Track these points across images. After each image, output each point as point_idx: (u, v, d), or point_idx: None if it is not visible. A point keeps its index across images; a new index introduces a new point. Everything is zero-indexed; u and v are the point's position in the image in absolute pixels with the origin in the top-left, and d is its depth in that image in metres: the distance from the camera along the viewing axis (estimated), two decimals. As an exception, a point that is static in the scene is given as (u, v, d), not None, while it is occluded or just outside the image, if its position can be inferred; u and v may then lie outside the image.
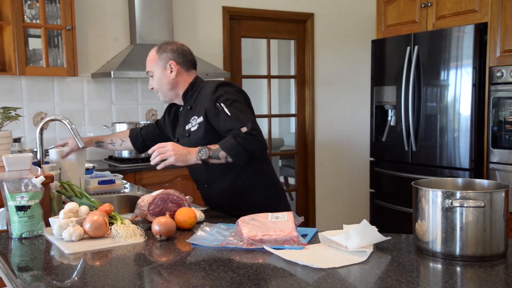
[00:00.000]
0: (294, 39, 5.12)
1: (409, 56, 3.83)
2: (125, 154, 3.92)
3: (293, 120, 5.34)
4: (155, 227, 1.70)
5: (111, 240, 1.69)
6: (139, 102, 4.32)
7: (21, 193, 1.77)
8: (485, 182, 1.62)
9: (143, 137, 2.58)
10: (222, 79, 4.63)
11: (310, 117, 5.14)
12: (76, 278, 1.41)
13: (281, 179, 6.17)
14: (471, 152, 3.53)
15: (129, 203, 2.62)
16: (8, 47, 3.61)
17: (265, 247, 1.56)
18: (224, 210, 2.20)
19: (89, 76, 4.10)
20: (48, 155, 2.50)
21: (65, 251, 1.61)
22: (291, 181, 5.75)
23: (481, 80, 3.51)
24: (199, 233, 1.74)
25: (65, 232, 1.70)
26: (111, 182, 2.70)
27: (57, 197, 2.08)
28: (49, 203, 1.99)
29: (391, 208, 4.07)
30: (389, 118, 4.10)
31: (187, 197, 1.97)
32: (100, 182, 2.66)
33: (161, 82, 2.23)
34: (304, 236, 1.67)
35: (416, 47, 3.77)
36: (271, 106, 5.05)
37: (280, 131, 6.72)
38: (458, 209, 1.42)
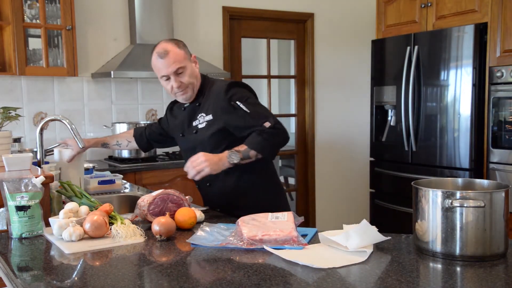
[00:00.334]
0: (294, 39, 5.12)
1: (409, 56, 3.82)
2: (125, 154, 3.93)
3: (293, 120, 5.34)
4: (155, 227, 1.70)
5: (111, 240, 1.69)
6: (139, 102, 4.32)
7: (21, 193, 1.77)
8: (485, 182, 1.62)
9: (147, 137, 2.58)
10: (222, 78, 4.64)
11: (310, 117, 5.14)
12: (76, 278, 1.41)
13: (281, 179, 6.17)
14: (471, 152, 3.53)
15: (129, 203, 2.62)
16: (8, 47, 3.61)
17: (265, 247, 1.56)
18: (224, 210, 2.21)
19: (89, 76, 4.10)
20: (53, 153, 2.50)
21: (65, 251, 1.61)
22: (291, 181, 5.75)
23: (481, 80, 3.51)
24: (199, 233, 1.74)
25: (65, 232, 1.70)
26: (111, 182, 2.70)
27: (57, 197, 2.08)
28: (49, 203, 1.99)
29: (391, 208, 4.07)
30: (389, 118, 4.10)
31: (187, 197, 1.97)
32: (100, 182, 2.66)
33: (193, 76, 2.19)
34: (304, 236, 1.67)
35: (416, 47, 3.77)
36: (271, 106, 5.05)
37: (280, 131, 6.70)
38: (458, 209, 1.42)
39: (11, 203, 1.77)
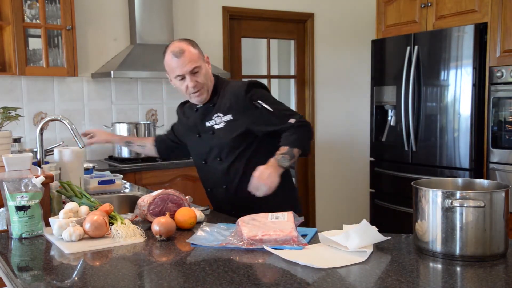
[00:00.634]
0: (294, 39, 5.12)
1: (409, 56, 3.82)
2: (125, 154, 3.92)
3: (293, 120, 5.33)
4: (155, 227, 1.70)
5: (111, 240, 1.69)
6: (139, 102, 4.32)
7: (21, 193, 1.77)
8: (485, 182, 1.62)
9: (165, 145, 2.57)
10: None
11: (310, 117, 5.14)
12: (76, 278, 1.41)
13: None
14: (471, 152, 3.53)
15: (129, 203, 2.62)
16: (8, 47, 3.61)
17: (265, 247, 1.56)
18: (238, 212, 2.04)
19: (89, 76, 4.10)
20: (53, 153, 2.50)
21: (65, 251, 1.61)
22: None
23: (481, 80, 3.51)
24: (199, 233, 1.74)
25: (65, 232, 1.70)
26: (111, 182, 2.70)
27: (57, 197, 2.08)
28: (49, 203, 1.99)
29: (391, 208, 4.07)
30: (389, 118, 4.10)
31: (187, 197, 1.97)
32: (100, 182, 2.66)
33: (207, 76, 2.17)
34: (304, 236, 1.67)
35: (416, 47, 3.77)
36: (271, 106, 5.04)
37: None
38: (458, 209, 1.42)
39: (11, 203, 1.77)
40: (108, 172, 2.97)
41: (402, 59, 3.87)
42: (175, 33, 4.32)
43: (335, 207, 5.34)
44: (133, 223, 1.79)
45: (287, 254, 1.49)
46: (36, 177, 1.83)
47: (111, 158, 4.08)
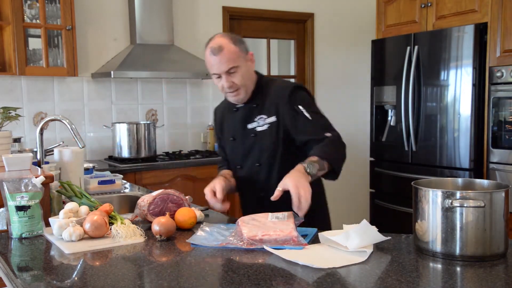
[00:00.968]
0: (294, 39, 5.12)
1: (409, 56, 3.82)
2: (125, 154, 3.92)
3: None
4: (155, 227, 1.70)
5: (111, 240, 1.69)
6: (139, 102, 4.32)
7: (21, 193, 1.77)
8: (485, 182, 1.62)
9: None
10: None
11: (310, 117, 5.13)
12: (76, 278, 1.41)
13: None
14: (471, 152, 3.53)
15: (129, 203, 2.62)
16: (8, 47, 3.61)
17: (265, 247, 1.56)
18: None
19: (89, 76, 4.10)
20: (53, 153, 2.50)
21: (65, 251, 1.61)
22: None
23: (481, 80, 3.51)
24: (199, 233, 1.74)
25: (65, 232, 1.70)
26: (111, 182, 2.70)
27: (57, 197, 2.08)
28: (49, 203, 1.99)
29: (391, 208, 4.07)
30: (389, 118, 4.10)
31: (187, 197, 1.97)
32: (100, 182, 2.66)
33: (247, 77, 2.02)
34: (304, 236, 1.67)
35: (416, 47, 3.77)
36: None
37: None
38: (458, 209, 1.42)
39: (11, 203, 1.77)
40: (108, 172, 2.97)
41: (402, 59, 3.87)
42: (175, 33, 4.32)
43: (335, 207, 5.32)
44: (133, 223, 1.79)
45: (287, 254, 1.49)
46: (36, 177, 1.83)
47: (111, 158, 4.08)
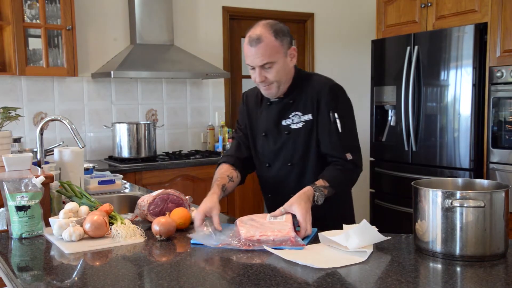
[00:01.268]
0: (294, 39, 5.12)
1: (409, 56, 3.82)
2: (125, 154, 3.92)
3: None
4: (155, 227, 1.70)
5: (111, 240, 1.69)
6: (139, 102, 4.32)
7: (21, 193, 1.77)
8: (485, 182, 1.62)
9: (244, 163, 2.11)
10: (222, 79, 4.64)
11: (310, 117, 5.14)
12: (76, 278, 1.41)
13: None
14: (471, 152, 3.53)
15: (129, 203, 2.62)
16: (8, 47, 3.61)
17: (265, 247, 1.56)
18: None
19: (89, 76, 4.10)
20: (53, 153, 2.50)
21: (65, 251, 1.61)
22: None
23: (481, 80, 3.51)
24: (204, 230, 1.71)
25: (65, 232, 1.70)
26: (111, 182, 2.70)
27: (57, 197, 2.08)
28: (49, 203, 1.99)
29: (391, 208, 4.07)
30: (389, 118, 4.10)
31: (187, 197, 1.97)
32: (100, 182, 2.66)
33: (282, 73, 1.89)
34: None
35: (416, 47, 3.77)
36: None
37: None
38: (458, 209, 1.42)
39: (11, 203, 1.77)
40: (108, 172, 2.97)
41: (402, 59, 3.87)
42: (175, 33, 4.32)
43: (335, 207, 5.32)
44: (133, 223, 1.79)
45: (287, 254, 1.49)
46: (36, 177, 1.83)
47: (111, 158, 4.08)
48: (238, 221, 1.69)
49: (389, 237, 1.60)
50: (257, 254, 1.53)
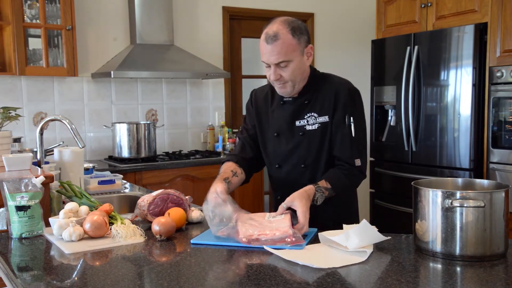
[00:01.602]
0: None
1: (409, 56, 3.82)
2: (125, 154, 3.92)
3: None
4: (155, 227, 1.70)
5: (111, 240, 1.69)
6: (139, 102, 4.32)
7: (21, 193, 1.77)
8: (485, 182, 1.62)
9: (250, 163, 2.07)
10: (222, 79, 4.64)
11: (310, 117, 5.13)
12: (76, 278, 1.41)
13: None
14: (471, 152, 3.53)
15: (129, 203, 2.62)
16: (8, 47, 3.61)
17: (265, 247, 1.56)
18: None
19: (89, 76, 4.10)
20: (53, 153, 2.50)
21: (65, 251, 1.61)
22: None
23: (481, 80, 3.51)
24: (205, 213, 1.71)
25: (65, 232, 1.70)
26: (111, 182, 2.70)
27: (57, 197, 2.08)
28: (49, 203, 1.99)
29: (391, 208, 4.07)
30: (389, 118, 4.10)
31: (187, 197, 1.97)
32: (100, 182, 2.66)
33: (298, 72, 1.85)
34: (304, 236, 1.67)
35: (416, 47, 3.77)
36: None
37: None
38: (458, 209, 1.42)
39: (11, 203, 1.77)
40: (108, 172, 2.97)
41: (402, 59, 3.87)
42: (175, 33, 4.32)
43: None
44: (133, 223, 1.79)
45: (287, 254, 1.49)
46: (36, 177, 1.83)
47: (111, 158, 4.08)
48: (238, 220, 1.69)
49: (389, 237, 1.60)
50: (257, 254, 1.54)
